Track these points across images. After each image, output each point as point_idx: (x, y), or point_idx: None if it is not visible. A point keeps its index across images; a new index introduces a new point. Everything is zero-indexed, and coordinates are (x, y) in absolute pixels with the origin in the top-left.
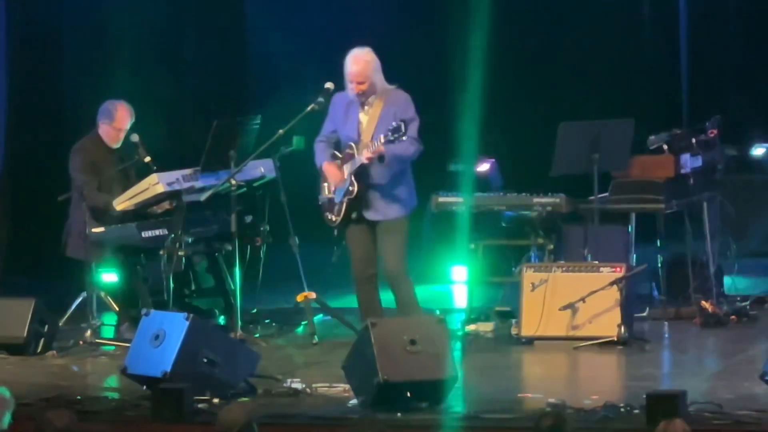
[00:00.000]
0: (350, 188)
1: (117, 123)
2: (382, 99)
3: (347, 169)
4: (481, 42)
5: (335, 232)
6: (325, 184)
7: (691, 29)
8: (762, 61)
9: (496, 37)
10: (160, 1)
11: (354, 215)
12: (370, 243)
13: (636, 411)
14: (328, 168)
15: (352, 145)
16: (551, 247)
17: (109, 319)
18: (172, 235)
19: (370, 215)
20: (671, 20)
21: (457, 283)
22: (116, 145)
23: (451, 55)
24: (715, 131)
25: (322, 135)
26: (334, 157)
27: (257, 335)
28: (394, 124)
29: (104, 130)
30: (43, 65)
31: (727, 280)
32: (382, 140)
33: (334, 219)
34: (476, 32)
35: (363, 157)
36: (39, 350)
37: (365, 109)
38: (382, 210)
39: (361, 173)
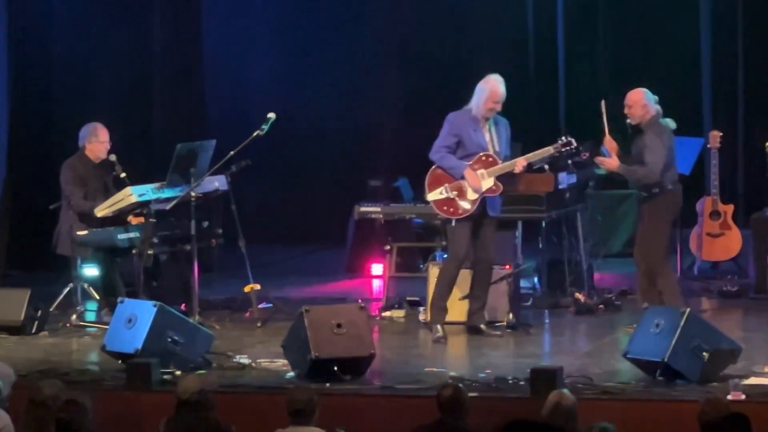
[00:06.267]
0: (494, 187)
1: (101, 137)
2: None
3: (489, 172)
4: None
5: (452, 222)
6: (447, 185)
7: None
8: None
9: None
10: (133, 49)
11: (481, 210)
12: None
13: (522, 383)
14: (471, 174)
15: (492, 154)
16: None
17: (91, 306)
18: (143, 237)
19: (490, 212)
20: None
21: (375, 277)
22: (104, 156)
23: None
24: (587, 154)
25: (446, 147)
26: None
27: (212, 319)
28: (566, 138)
29: (92, 147)
30: (39, 97)
31: (596, 276)
32: (552, 150)
33: (468, 208)
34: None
35: (519, 166)
36: (34, 331)
37: (484, 128)
38: (497, 208)
39: (500, 178)
